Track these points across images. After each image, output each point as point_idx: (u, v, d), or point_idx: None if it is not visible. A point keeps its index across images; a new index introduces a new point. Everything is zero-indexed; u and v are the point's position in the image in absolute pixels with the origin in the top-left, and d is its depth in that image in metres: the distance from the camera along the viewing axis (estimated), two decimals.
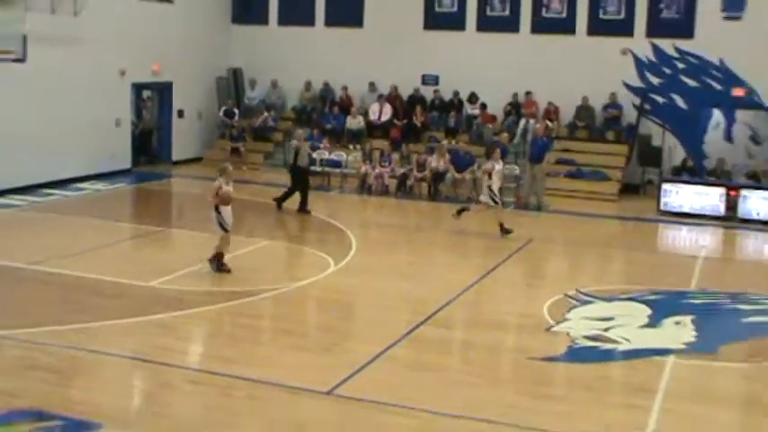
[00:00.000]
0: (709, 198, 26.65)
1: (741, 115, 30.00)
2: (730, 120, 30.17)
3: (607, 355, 13.98)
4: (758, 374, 13.76)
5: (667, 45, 30.06)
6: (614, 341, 14.53)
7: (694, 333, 15.22)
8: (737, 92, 29.53)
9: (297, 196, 24.25)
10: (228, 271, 17.42)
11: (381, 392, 11.81)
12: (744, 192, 26.36)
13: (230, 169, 18.33)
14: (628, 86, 30.49)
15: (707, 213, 26.31)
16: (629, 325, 15.42)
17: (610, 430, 11.03)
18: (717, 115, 30.24)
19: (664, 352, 14.13)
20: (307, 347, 13.93)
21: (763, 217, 25.86)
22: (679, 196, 26.69)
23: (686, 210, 26.47)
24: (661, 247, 24.73)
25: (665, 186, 27.16)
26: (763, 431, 11.55)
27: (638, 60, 30.39)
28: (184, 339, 14.17)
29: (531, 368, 13.38)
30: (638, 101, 30.40)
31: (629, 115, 30.48)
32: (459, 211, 22.90)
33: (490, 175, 22.24)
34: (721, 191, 26.59)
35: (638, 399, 12.22)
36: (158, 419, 10.82)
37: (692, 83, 30.02)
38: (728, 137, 30.12)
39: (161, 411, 11.17)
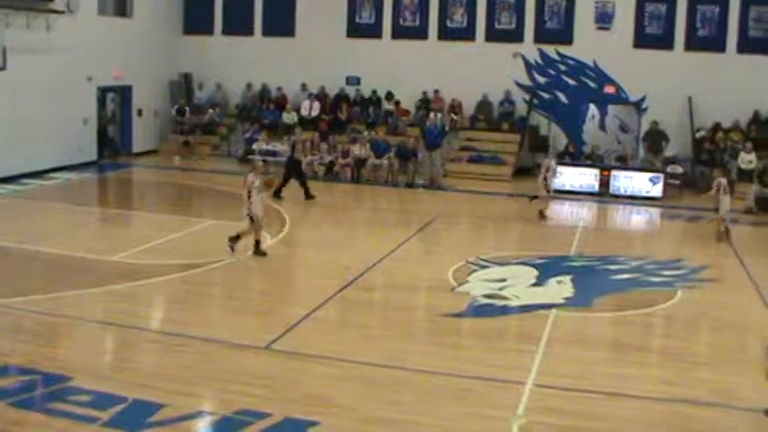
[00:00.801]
0: (586, 178, 27.06)
1: (612, 109, 30.50)
2: (603, 112, 30.65)
3: (501, 311, 14.18)
4: (623, 322, 14.11)
5: (551, 50, 30.36)
6: (507, 298, 14.76)
7: (573, 290, 15.51)
8: (609, 89, 29.98)
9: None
10: (264, 254, 17.09)
11: (310, 347, 11.91)
12: (614, 172, 26.85)
13: (260, 164, 18.44)
14: (519, 85, 30.73)
15: (584, 191, 26.71)
16: (519, 285, 15.66)
17: (504, 370, 11.24)
18: (592, 109, 30.71)
19: (548, 306, 14.39)
20: (247, 310, 13.96)
21: (629, 193, 26.34)
22: (562, 177, 26.99)
23: (568, 188, 26.79)
24: (548, 218, 24.94)
25: None
26: (625, 366, 11.80)
27: (527, 63, 30.62)
28: (143, 305, 14.08)
29: (439, 323, 13.55)
30: (528, 97, 30.65)
31: (521, 109, 30.69)
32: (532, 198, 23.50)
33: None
34: (596, 172, 27.02)
35: (526, 345, 12.49)
36: (121, 372, 10.81)
37: (571, 82, 30.37)
38: (602, 127, 30.63)
39: (124, 365, 11.17)
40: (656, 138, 28.98)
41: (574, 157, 29.08)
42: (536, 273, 16.61)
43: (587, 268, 17.37)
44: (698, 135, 28.81)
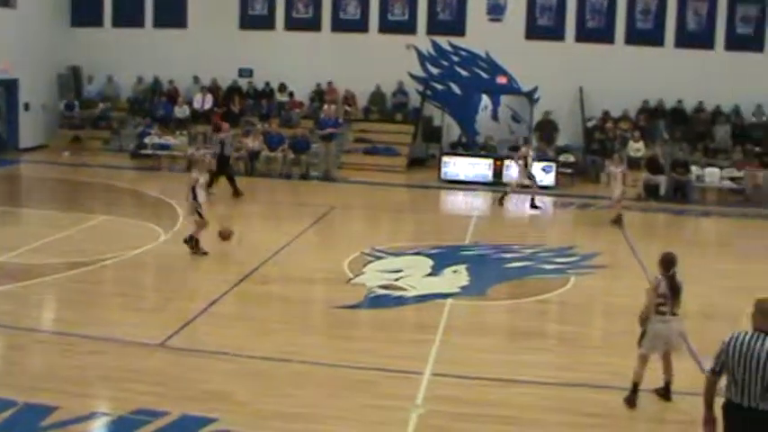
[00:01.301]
0: (479, 167, 27.38)
1: (504, 99, 30.89)
2: (496, 103, 31.01)
3: (398, 301, 14.22)
4: (518, 309, 14.36)
5: (444, 41, 30.63)
6: (403, 289, 14.81)
7: (468, 279, 15.67)
8: (501, 80, 30.43)
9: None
10: (205, 253, 16.69)
11: (207, 342, 11.75)
12: (507, 162, 27.13)
13: (204, 160, 18.26)
14: (412, 76, 30.92)
15: (478, 180, 27.01)
16: (415, 275, 15.72)
17: (402, 360, 11.27)
18: (485, 99, 31.04)
19: (444, 296, 14.50)
20: (141, 307, 13.64)
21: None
22: (456, 167, 27.28)
23: (462, 178, 27.12)
24: (442, 209, 25.21)
25: (445, 159, 27.71)
26: (521, 353, 11.98)
27: (420, 54, 30.84)
28: (33, 306, 13.61)
29: (335, 315, 13.54)
30: (421, 88, 30.86)
31: (415, 100, 30.90)
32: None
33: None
34: (489, 161, 27.38)
35: (423, 335, 12.54)
36: (10, 376, 10.45)
37: (464, 73, 30.72)
38: (494, 117, 30.98)
39: (12, 369, 10.80)
40: (548, 128, 29.50)
41: (467, 147, 29.38)
42: (431, 263, 16.69)
43: (482, 257, 17.57)
44: (589, 124, 29.46)
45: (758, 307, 7.17)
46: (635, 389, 10.23)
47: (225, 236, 17.09)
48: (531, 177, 23.71)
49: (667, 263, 10.21)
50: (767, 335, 7.02)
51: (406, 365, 11.12)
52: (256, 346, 11.70)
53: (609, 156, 24.15)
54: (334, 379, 10.65)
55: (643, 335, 10.29)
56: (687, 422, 9.83)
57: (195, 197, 16.68)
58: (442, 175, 27.37)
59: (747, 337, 7.05)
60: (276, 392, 10.15)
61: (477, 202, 25.01)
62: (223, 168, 23.72)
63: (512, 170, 26.31)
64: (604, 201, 22.52)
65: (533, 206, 23.58)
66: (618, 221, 21.25)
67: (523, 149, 24.05)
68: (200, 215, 16.72)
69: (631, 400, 10.20)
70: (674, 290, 10.13)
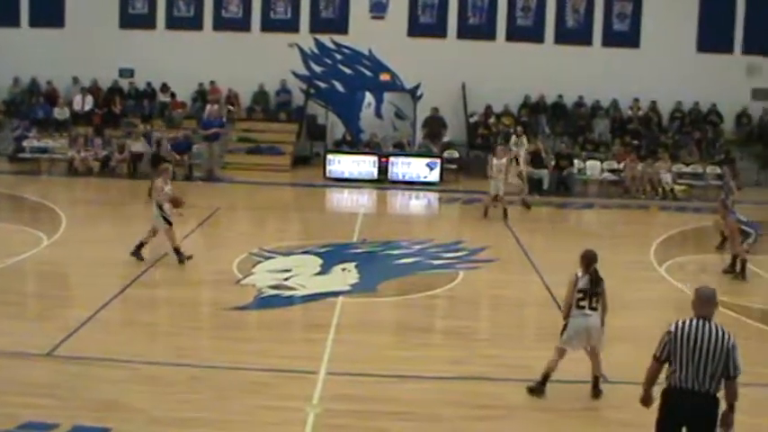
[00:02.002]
0: (365, 165, 27.46)
1: (388, 96, 31.14)
2: (379, 100, 31.26)
3: (288, 301, 14.20)
4: (409, 305, 14.50)
5: (327, 39, 30.64)
6: (293, 288, 14.79)
7: (358, 276, 15.75)
8: (384, 77, 30.61)
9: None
10: (190, 257, 16.32)
11: (95, 350, 11.45)
12: (392, 159, 27.39)
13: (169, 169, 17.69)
14: (296, 75, 30.84)
15: (364, 178, 27.11)
16: (304, 274, 15.71)
17: (296, 360, 11.24)
18: (369, 97, 31.28)
19: (334, 294, 14.52)
20: (25, 316, 13.22)
21: (407, 179, 26.93)
22: (341, 164, 27.35)
23: (347, 175, 27.19)
24: (328, 207, 25.24)
25: (330, 157, 27.73)
26: (414, 348, 12.08)
27: (303, 53, 30.78)
28: None
29: (225, 317, 13.39)
30: (304, 86, 30.80)
31: (298, 99, 30.82)
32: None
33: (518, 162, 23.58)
34: (374, 159, 27.50)
35: (315, 334, 12.53)
36: None
37: (347, 71, 30.81)
38: (378, 114, 31.21)
39: None
40: (435, 124, 29.82)
41: (351, 144, 29.48)
42: (320, 261, 16.69)
43: (371, 254, 17.67)
44: (472, 120, 29.88)
45: (698, 295, 7.51)
46: (544, 380, 10.44)
47: (177, 203, 16.71)
48: (522, 179, 24.03)
49: (588, 259, 10.41)
50: (708, 320, 7.34)
51: (299, 365, 11.10)
52: (147, 351, 11.48)
53: (492, 151, 24.53)
54: (227, 382, 10.54)
55: (564, 328, 10.50)
56: (579, 409, 10.13)
57: (162, 206, 16.38)
58: (328, 174, 27.38)
59: (692, 324, 7.34)
60: (170, 398, 9.99)
61: (363, 200, 25.11)
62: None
63: (397, 166, 26.59)
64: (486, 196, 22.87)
65: (527, 206, 23.90)
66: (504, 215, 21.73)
67: (514, 151, 24.58)
68: (167, 222, 16.36)
69: (537, 390, 10.42)
70: (594, 285, 10.31)
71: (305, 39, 30.70)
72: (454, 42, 30.46)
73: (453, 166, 28.16)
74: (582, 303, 10.30)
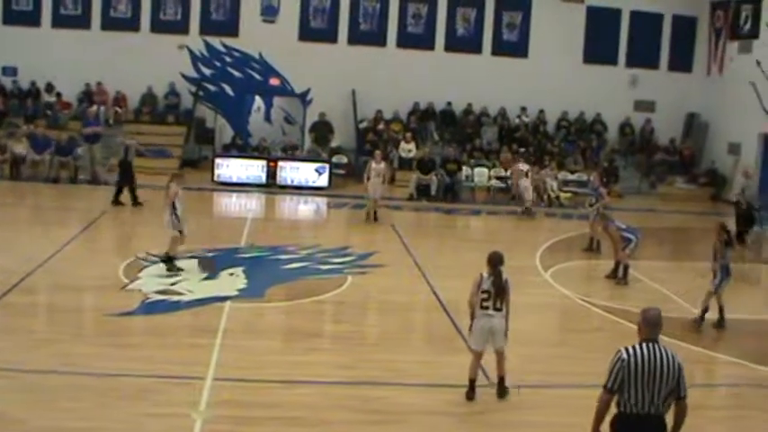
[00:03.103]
0: (253, 169, 27.33)
1: (277, 100, 31.10)
2: (269, 104, 31.20)
3: (175, 306, 14.02)
4: (297, 310, 14.48)
5: (217, 42, 30.41)
6: (180, 293, 14.62)
7: (245, 281, 15.68)
8: (274, 81, 30.56)
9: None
10: (182, 269, 16.00)
11: None
12: (281, 163, 27.31)
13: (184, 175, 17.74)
14: (185, 77, 30.50)
15: (252, 182, 26.95)
16: (191, 279, 15.56)
17: (182, 366, 11.10)
18: (258, 101, 31.17)
19: (222, 299, 14.41)
20: None
21: (296, 183, 26.86)
22: (229, 168, 27.17)
23: (235, 180, 27.00)
24: (216, 212, 24.98)
25: (218, 161, 27.53)
26: (302, 354, 12.12)
27: (193, 55, 30.48)
28: None
29: (110, 323, 13.11)
30: (193, 89, 30.49)
31: (187, 101, 30.50)
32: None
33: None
34: (263, 163, 27.38)
35: (202, 339, 12.38)
36: None
37: (237, 74, 30.64)
38: (268, 118, 31.16)
39: None
40: (322, 129, 29.87)
41: (240, 148, 29.31)
42: None
43: (259, 259, 17.58)
44: (361, 126, 30.04)
45: (645, 317, 7.33)
46: (471, 385, 10.59)
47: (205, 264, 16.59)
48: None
49: (494, 261, 10.60)
50: (657, 343, 7.22)
51: (186, 371, 10.96)
52: (27, 359, 11.15)
53: (371, 155, 24.58)
54: (112, 389, 10.33)
55: (470, 329, 10.68)
56: (470, 413, 10.28)
57: (175, 211, 16.17)
58: (216, 177, 27.15)
59: (643, 349, 7.18)
60: (52, 407, 9.74)
61: (251, 204, 24.98)
62: (126, 176, 22.92)
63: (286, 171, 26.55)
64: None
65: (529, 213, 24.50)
66: (372, 217, 22.15)
67: (517, 167, 25.35)
68: (179, 231, 16.18)
69: (468, 395, 10.58)
70: (498, 287, 10.49)
71: (195, 41, 30.40)
72: (345, 48, 30.62)
73: (342, 172, 28.26)
74: (486, 304, 10.49)
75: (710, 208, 29.41)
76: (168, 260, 16.15)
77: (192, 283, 15.23)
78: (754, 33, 29.97)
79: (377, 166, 22.41)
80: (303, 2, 30.58)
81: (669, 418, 7.27)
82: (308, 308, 14.60)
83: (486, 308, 10.50)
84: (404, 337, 13.42)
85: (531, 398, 10.74)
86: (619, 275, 17.29)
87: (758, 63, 29.42)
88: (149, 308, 13.91)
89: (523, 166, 25.48)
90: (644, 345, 7.21)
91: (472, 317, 10.63)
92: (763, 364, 12.83)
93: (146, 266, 16.30)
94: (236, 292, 14.90)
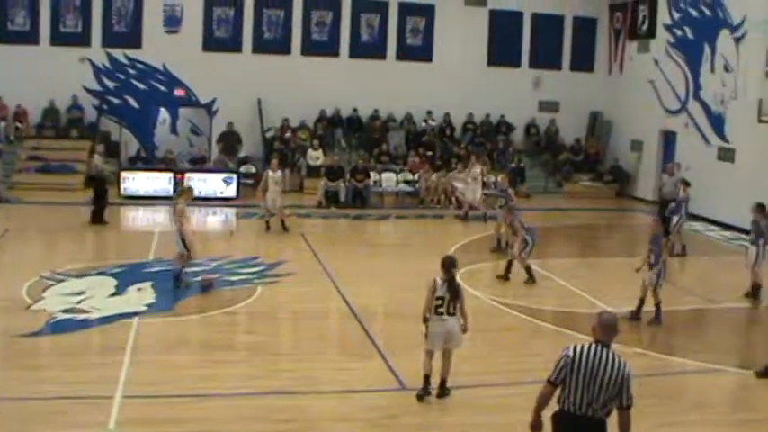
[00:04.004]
0: (160, 182, 27.03)
1: (183, 112, 30.84)
2: (174, 116, 30.88)
3: (82, 324, 13.83)
4: (207, 322, 14.45)
5: (120, 54, 30.01)
6: (87, 311, 14.42)
7: (154, 295, 15.57)
8: (179, 92, 30.31)
9: None
10: (187, 285, 16.27)
11: None
12: (188, 175, 27.00)
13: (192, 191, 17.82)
14: (87, 90, 30.01)
15: (159, 195, 26.57)
16: (98, 296, 15.37)
17: (91, 385, 10.97)
18: (163, 113, 30.84)
19: (130, 315, 14.28)
20: None
21: (204, 195, 26.40)
22: (136, 182, 26.84)
23: (142, 193, 26.68)
24: (123, 226, 24.59)
25: (124, 174, 27.14)
26: (213, 367, 12.08)
27: (95, 67, 30.02)
28: None
29: (16, 345, 12.84)
30: (97, 102, 30.05)
31: (91, 115, 30.03)
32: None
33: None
34: (170, 175, 27.09)
35: (111, 357, 12.27)
36: None
37: (141, 86, 30.26)
38: (174, 130, 30.85)
39: None
40: (230, 139, 29.74)
41: (147, 161, 29.01)
42: (115, 282, 16.38)
43: (167, 273, 17.36)
44: (268, 135, 30.00)
45: (600, 320, 7.46)
46: (425, 381, 10.83)
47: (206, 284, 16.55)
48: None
49: (447, 265, 10.77)
50: (607, 347, 7.30)
51: (95, 390, 10.84)
52: None
53: (269, 164, 24.47)
54: (19, 413, 10.16)
55: (426, 333, 10.87)
56: (381, 417, 10.41)
57: (181, 228, 16.25)
58: (123, 191, 26.74)
59: (591, 350, 7.27)
60: None
61: (159, 217, 24.69)
62: (100, 193, 23.01)
63: (194, 182, 26.31)
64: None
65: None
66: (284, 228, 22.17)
67: (477, 169, 25.20)
68: (185, 247, 16.17)
69: (420, 395, 10.81)
70: (452, 291, 10.68)
71: (97, 53, 29.91)
72: (250, 57, 30.52)
73: (250, 182, 28.11)
74: (440, 310, 10.70)
75: (616, 205, 30.17)
76: (176, 279, 16.38)
77: (98, 301, 15.04)
78: (652, 33, 30.84)
79: (274, 175, 22.38)
80: (206, 12, 30.37)
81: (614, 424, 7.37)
82: (218, 320, 14.56)
83: (441, 313, 10.71)
84: (315, 346, 13.47)
85: (441, 399, 10.92)
86: (508, 275, 17.81)
87: (656, 62, 30.32)
88: (55, 327, 13.69)
89: (477, 168, 25.74)
90: (592, 346, 7.31)
91: (425, 321, 10.82)
92: (667, 353, 13.33)
93: (50, 285, 16.02)
94: (144, 308, 14.77)
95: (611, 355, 7.24)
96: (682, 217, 21.67)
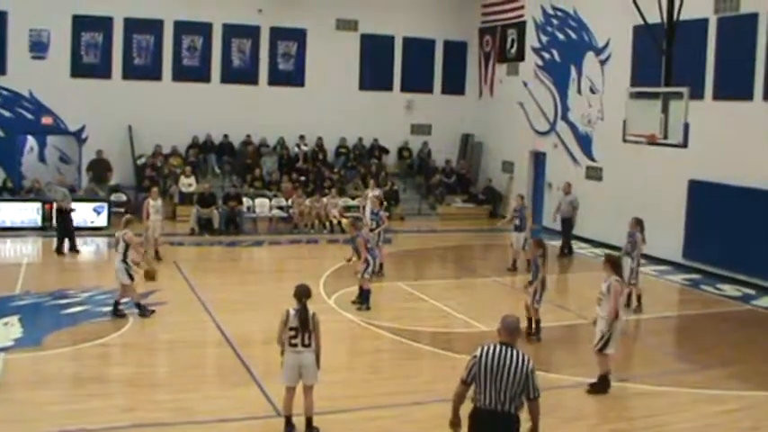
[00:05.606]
0: (27, 212, 26.23)
1: (51, 140, 30.15)
2: (42, 144, 30.18)
3: None
4: (78, 355, 14.13)
5: None
6: None
7: (21, 330, 15.13)
8: (46, 120, 29.56)
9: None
10: (153, 311, 16.49)
11: None
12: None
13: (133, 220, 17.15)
14: None
15: (27, 226, 25.89)
16: None
17: None
18: (31, 141, 30.09)
19: None
20: None
21: (73, 224, 25.67)
22: (2, 213, 26.00)
23: (9, 224, 25.84)
24: None
25: None
26: (86, 401, 11.78)
27: None
28: None
29: None
30: None
31: None
32: None
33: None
34: (38, 205, 26.33)
35: None
36: None
37: (7, 114, 29.29)
38: (42, 159, 30.14)
39: None
40: (100, 167, 29.17)
41: (13, 192, 28.17)
42: None
43: (35, 306, 16.96)
44: (139, 162, 29.56)
45: (504, 323, 8.08)
46: (287, 423, 10.61)
47: (150, 276, 17.13)
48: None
49: (299, 295, 10.55)
50: (511, 347, 7.90)
51: None
52: None
53: (148, 192, 24.11)
54: None
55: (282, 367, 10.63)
56: None
57: (125, 258, 16.31)
58: None
59: (496, 350, 7.88)
60: None
61: (26, 249, 24.05)
62: (65, 222, 23.00)
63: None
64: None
65: None
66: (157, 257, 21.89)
67: (374, 192, 24.90)
68: (130, 277, 16.29)
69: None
70: (304, 322, 10.40)
71: None
72: (120, 83, 30.03)
73: (122, 210, 27.55)
74: (294, 341, 10.42)
75: (488, 225, 30.72)
76: (140, 308, 16.46)
77: None
78: (521, 56, 31.66)
79: (155, 203, 22.21)
80: (74, 37, 29.70)
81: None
82: (89, 352, 14.24)
83: (295, 345, 10.42)
84: (190, 375, 13.30)
85: (320, 426, 10.82)
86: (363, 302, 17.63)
87: (525, 84, 31.12)
88: None
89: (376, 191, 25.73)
90: (498, 346, 7.92)
91: (282, 353, 10.59)
92: (545, 370, 13.63)
93: None
94: (11, 343, 14.32)
95: (515, 354, 7.87)
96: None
